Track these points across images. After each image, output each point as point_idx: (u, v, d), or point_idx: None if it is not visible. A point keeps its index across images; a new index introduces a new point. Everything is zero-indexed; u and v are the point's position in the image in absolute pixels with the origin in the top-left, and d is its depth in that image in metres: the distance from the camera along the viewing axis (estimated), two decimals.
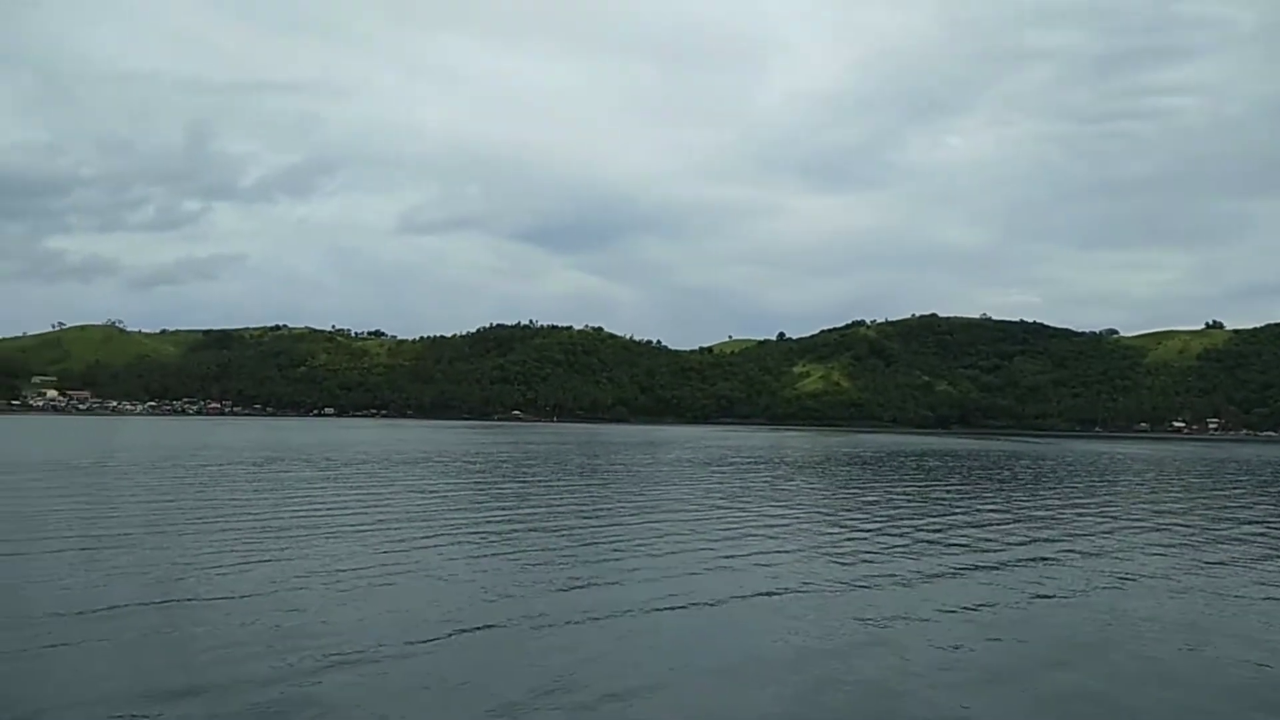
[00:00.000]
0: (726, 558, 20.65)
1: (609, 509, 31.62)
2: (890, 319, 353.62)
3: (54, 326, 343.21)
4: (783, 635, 13.70)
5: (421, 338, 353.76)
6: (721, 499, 35.76)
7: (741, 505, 33.04)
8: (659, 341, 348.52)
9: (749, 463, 62.89)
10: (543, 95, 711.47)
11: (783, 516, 29.12)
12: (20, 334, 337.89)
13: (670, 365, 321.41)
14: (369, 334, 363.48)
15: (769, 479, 47.68)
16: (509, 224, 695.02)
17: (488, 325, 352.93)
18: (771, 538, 24.22)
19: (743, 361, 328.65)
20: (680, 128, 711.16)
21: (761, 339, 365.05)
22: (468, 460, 60.85)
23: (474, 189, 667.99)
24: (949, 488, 44.59)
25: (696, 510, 31.42)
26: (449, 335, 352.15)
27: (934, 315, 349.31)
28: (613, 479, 47.04)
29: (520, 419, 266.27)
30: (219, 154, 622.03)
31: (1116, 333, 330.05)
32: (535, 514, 29.25)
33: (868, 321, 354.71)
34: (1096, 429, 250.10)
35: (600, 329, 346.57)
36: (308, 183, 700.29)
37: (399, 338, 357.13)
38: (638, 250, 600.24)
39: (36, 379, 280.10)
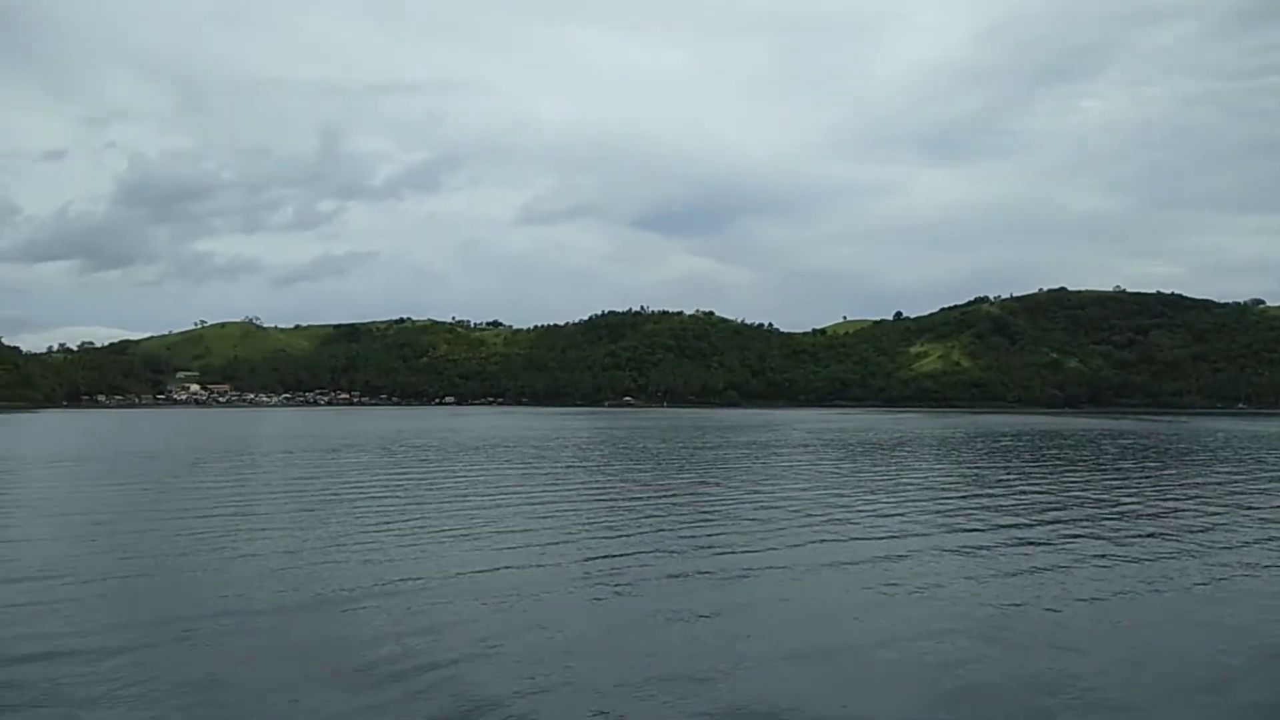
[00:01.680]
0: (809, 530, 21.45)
1: (713, 485, 33.22)
2: (1015, 294, 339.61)
3: (196, 324, 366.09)
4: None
5: (536, 326, 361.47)
6: (810, 480, 36.00)
7: (823, 485, 33.03)
8: (770, 324, 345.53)
9: (829, 445, 61.82)
10: (658, 81, 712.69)
11: (844, 487, 28.89)
12: (166, 332, 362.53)
13: (782, 348, 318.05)
14: (487, 324, 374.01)
15: (848, 458, 46.80)
16: (625, 211, 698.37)
17: (599, 313, 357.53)
18: (835, 509, 24.30)
19: (857, 343, 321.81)
20: (797, 106, 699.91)
21: (877, 319, 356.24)
22: (581, 444, 62.28)
23: (591, 178, 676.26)
24: (1025, 468, 42.85)
25: (784, 490, 31.92)
26: (562, 323, 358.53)
27: (1063, 289, 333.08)
28: (714, 459, 47.54)
29: (631, 405, 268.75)
30: (351, 155, 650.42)
31: (1263, 303, 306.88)
32: (644, 493, 31.01)
33: (991, 298, 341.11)
34: (1240, 405, 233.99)
35: (710, 313, 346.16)
36: (434, 179, 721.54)
37: (515, 327, 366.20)
38: (752, 233, 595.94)
39: (180, 374, 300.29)
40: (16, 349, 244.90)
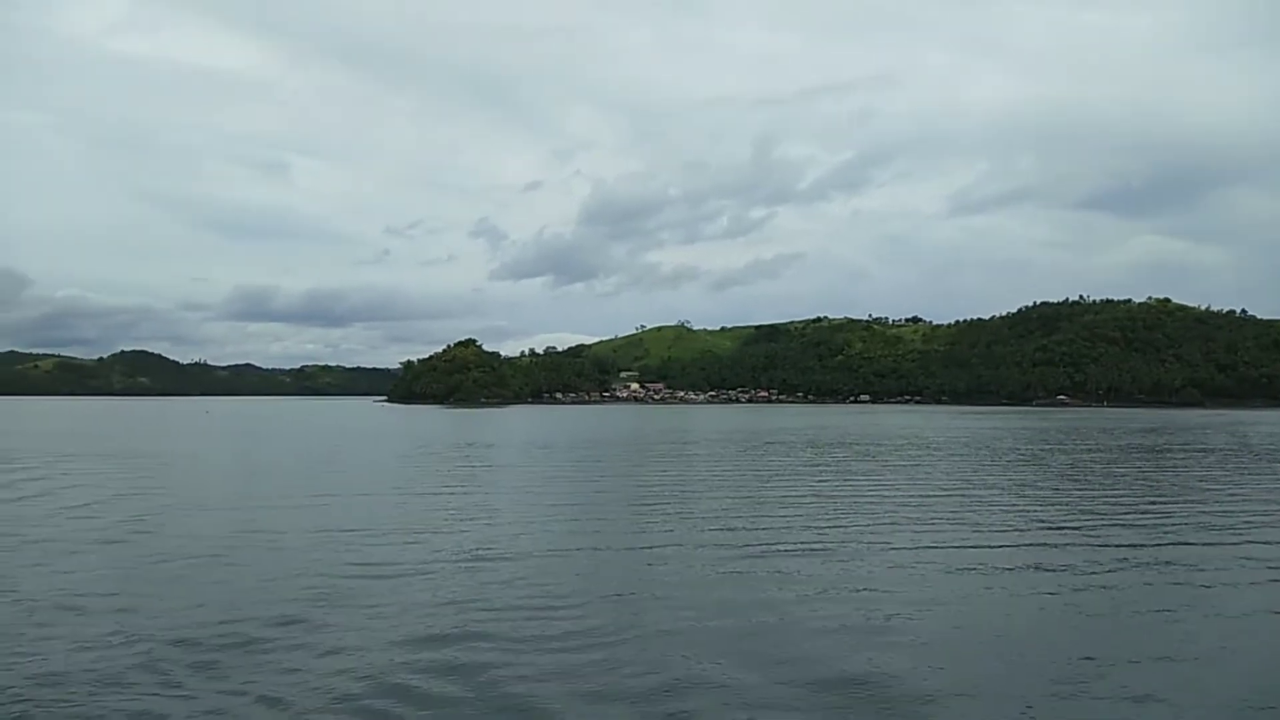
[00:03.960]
0: None
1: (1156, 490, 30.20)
2: None
3: (637, 329, 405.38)
4: None
5: (957, 321, 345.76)
6: None
7: None
8: (1244, 311, 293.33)
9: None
10: (1107, 44, 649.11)
11: None
12: (612, 336, 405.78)
13: (1259, 338, 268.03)
14: (906, 320, 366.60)
15: None
16: (1069, 192, 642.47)
17: (1030, 304, 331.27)
18: None
19: None
20: None
21: None
22: (1022, 446, 58.81)
23: (1029, 160, 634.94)
24: None
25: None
26: (987, 317, 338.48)
27: None
28: (1163, 461, 42.86)
29: (1066, 404, 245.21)
30: (780, 161, 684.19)
31: None
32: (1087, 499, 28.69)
33: None
34: None
35: (1166, 300, 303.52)
36: (861, 177, 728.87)
37: (934, 322, 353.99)
38: (1233, 205, 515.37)
39: (623, 374, 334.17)
40: (496, 354, 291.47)
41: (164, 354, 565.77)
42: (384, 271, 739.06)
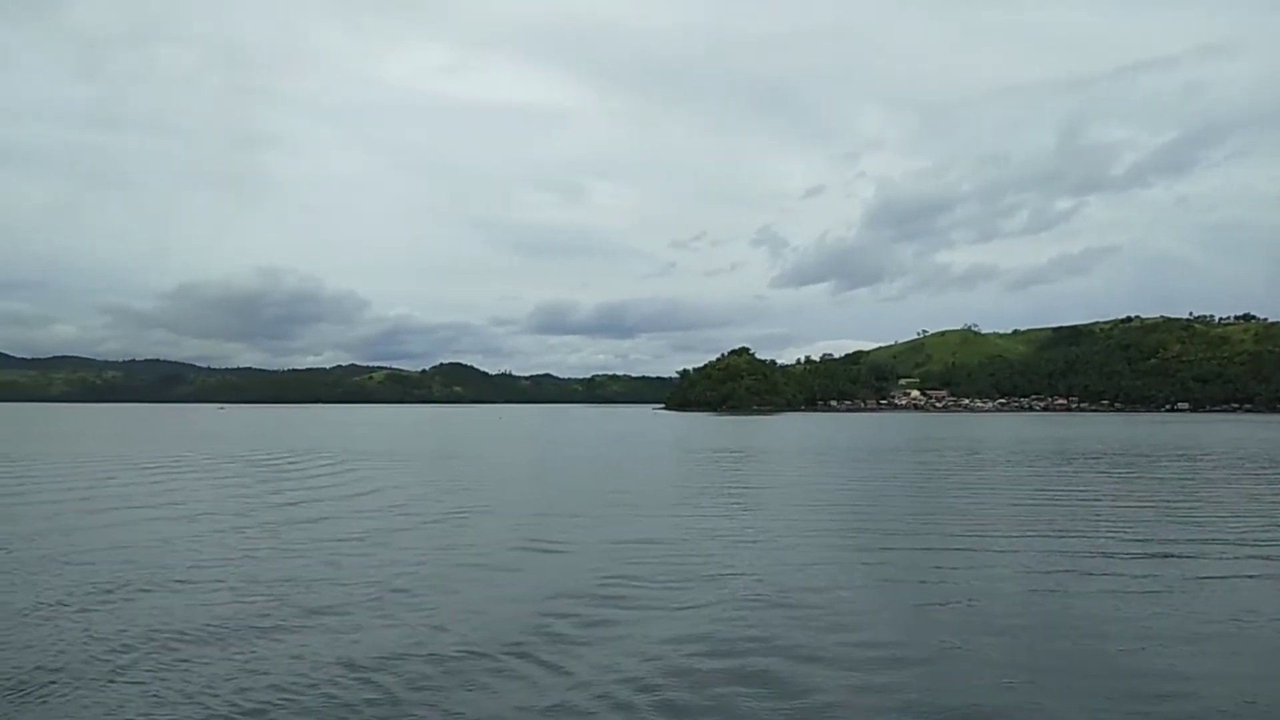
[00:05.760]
0: None
1: None
2: None
3: (919, 334, 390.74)
4: None
5: None
6: None
7: None
8: None
9: None
10: None
11: None
12: (892, 342, 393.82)
13: None
14: (1235, 318, 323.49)
15: None
16: None
17: None
18: None
19: None
20: None
21: None
22: None
23: None
24: None
25: None
26: None
27: None
28: None
29: None
30: (1090, 147, 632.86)
31: None
32: None
33: None
34: None
35: None
36: (1187, 159, 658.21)
37: (1270, 320, 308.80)
38: None
39: (902, 381, 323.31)
40: (771, 362, 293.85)
41: (476, 365, 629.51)
42: (669, 283, 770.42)
